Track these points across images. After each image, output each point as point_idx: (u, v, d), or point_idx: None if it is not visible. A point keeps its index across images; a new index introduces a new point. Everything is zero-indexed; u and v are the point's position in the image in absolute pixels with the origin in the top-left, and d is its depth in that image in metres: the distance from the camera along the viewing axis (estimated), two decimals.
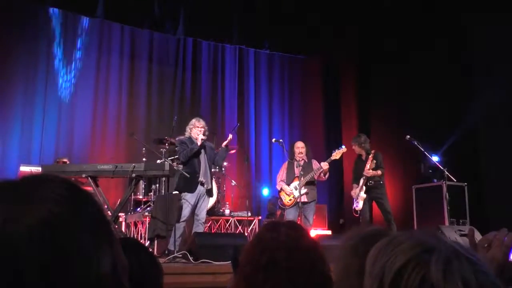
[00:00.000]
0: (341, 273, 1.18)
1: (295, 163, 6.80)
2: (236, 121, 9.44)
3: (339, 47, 10.01)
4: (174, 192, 6.62)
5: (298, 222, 6.22)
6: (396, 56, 9.08)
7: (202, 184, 6.00)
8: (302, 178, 6.62)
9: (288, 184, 6.77)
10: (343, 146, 7.03)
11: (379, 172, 6.99)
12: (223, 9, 9.16)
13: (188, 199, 5.90)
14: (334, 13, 9.70)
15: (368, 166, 6.96)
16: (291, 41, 9.87)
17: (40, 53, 8.44)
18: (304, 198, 6.63)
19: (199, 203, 6.00)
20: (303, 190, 6.62)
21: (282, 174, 6.97)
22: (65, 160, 7.45)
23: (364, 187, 7.01)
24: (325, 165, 6.66)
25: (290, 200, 6.71)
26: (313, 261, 1.38)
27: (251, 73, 10.37)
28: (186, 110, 9.36)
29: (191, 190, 5.93)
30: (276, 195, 7.54)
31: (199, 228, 5.99)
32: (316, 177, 6.77)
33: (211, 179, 6.35)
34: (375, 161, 7.02)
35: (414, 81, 8.69)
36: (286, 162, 7.01)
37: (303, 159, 6.82)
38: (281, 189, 6.80)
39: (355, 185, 7.22)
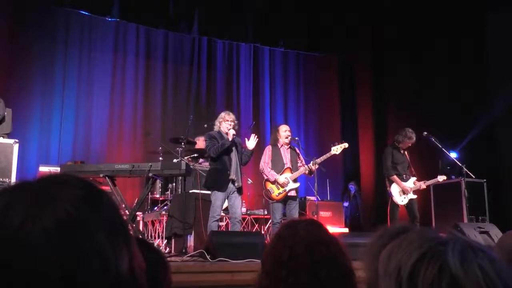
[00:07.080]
0: (374, 276, 1.15)
1: (282, 149, 6.16)
2: (251, 119, 9.44)
3: (354, 43, 9.95)
4: (191, 191, 6.64)
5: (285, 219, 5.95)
6: (412, 51, 9.00)
7: (233, 182, 5.73)
8: (292, 171, 6.04)
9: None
10: (346, 143, 6.45)
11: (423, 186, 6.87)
12: (237, 8, 9.16)
13: (218, 197, 5.66)
14: (349, 10, 9.65)
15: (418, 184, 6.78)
16: (306, 39, 9.83)
17: (57, 53, 8.54)
18: (293, 193, 6.05)
19: (231, 202, 5.76)
20: (296, 184, 6.06)
21: (268, 162, 6.17)
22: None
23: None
24: (313, 167, 6.05)
25: (280, 193, 5.99)
26: (334, 254, 1.39)
27: (266, 71, 10.36)
28: (202, 109, 9.39)
29: (222, 188, 5.67)
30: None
31: (236, 226, 5.75)
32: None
33: (241, 177, 5.96)
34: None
35: (431, 77, 8.59)
36: (270, 147, 6.26)
37: (289, 146, 6.23)
38: (275, 180, 6.00)
39: (395, 177, 6.77)
